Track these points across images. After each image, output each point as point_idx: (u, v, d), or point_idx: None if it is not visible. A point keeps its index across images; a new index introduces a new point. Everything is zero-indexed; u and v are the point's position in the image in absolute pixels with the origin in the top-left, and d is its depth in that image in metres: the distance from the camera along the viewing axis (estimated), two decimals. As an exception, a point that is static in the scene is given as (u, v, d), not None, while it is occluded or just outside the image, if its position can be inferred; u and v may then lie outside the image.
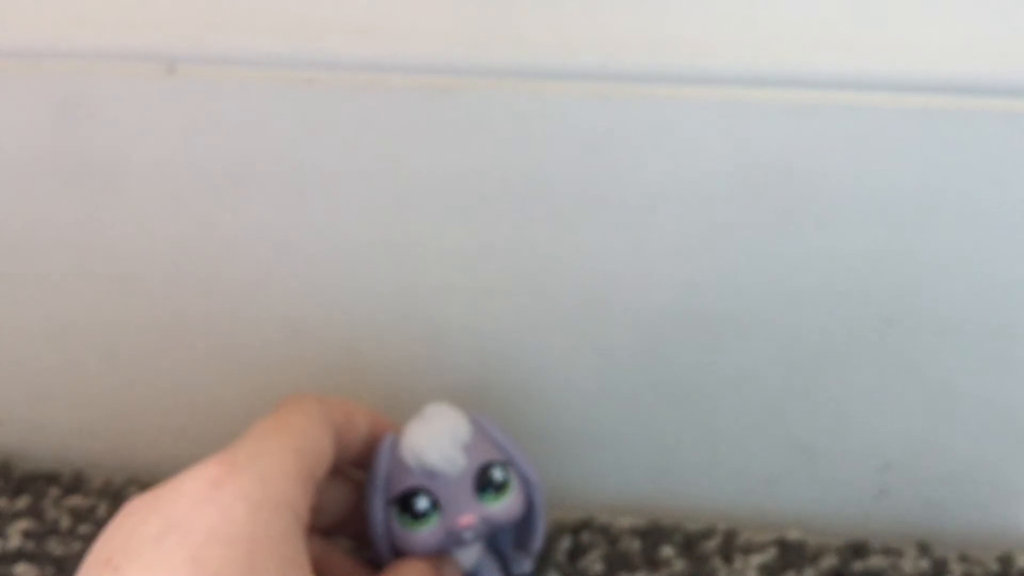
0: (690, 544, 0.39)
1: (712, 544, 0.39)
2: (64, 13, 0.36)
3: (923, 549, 0.38)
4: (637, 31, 0.33)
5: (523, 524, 0.35)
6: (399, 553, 0.33)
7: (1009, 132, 0.32)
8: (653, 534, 0.39)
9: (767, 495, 0.40)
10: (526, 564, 0.36)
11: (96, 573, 0.26)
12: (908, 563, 0.37)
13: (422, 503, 0.32)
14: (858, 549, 0.38)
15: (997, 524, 0.39)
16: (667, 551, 0.38)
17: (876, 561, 0.38)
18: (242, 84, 0.36)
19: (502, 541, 0.36)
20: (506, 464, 0.33)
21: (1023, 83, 0.32)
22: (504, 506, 0.33)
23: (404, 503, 0.32)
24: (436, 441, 0.32)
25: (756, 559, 0.38)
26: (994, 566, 0.37)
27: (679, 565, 0.38)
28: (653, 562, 0.38)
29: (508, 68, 0.34)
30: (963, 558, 0.38)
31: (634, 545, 0.39)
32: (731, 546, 0.39)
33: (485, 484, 0.32)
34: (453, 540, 0.32)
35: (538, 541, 0.35)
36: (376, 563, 0.34)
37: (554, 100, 0.34)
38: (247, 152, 0.37)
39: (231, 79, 0.36)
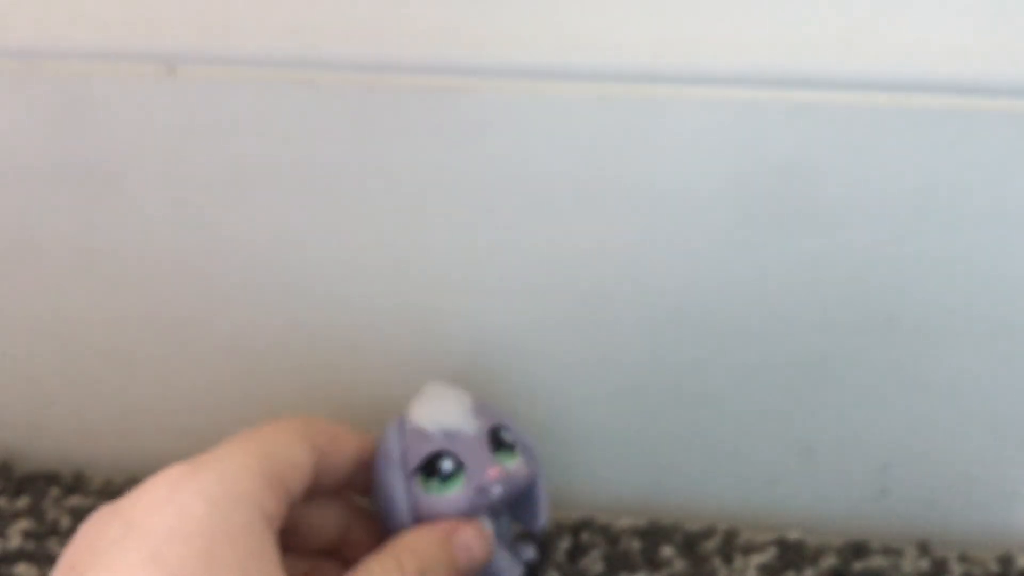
0: (690, 544, 0.39)
1: (712, 544, 0.39)
2: (64, 13, 0.36)
3: (923, 549, 0.38)
4: (637, 31, 0.33)
5: (525, 501, 0.35)
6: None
7: (1009, 132, 0.32)
8: (653, 534, 0.39)
9: (767, 495, 0.40)
10: (529, 551, 0.36)
11: None
12: (908, 563, 0.37)
13: (447, 464, 0.33)
14: (858, 549, 0.38)
15: (997, 524, 0.39)
16: (667, 551, 0.38)
17: (876, 561, 0.38)
18: (242, 84, 0.36)
19: (504, 528, 0.36)
20: (509, 430, 0.34)
21: (1023, 83, 0.32)
22: (517, 465, 0.34)
23: (429, 469, 0.33)
24: (451, 403, 0.34)
25: (756, 559, 0.38)
26: (994, 566, 0.37)
27: (679, 565, 0.38)
28: (653, 562, 0.38)
29: (508, 68, 0.34)
30: (963, 558, 0.38)
31: (634, 545, 0.39)
32: (731, 546, 0.39)
33: (499, 443, 0.34)
34: (482, 497, 0.33)
35: (543, 515, 0.35)
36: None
37: (554, 100, 0.34)
38: (247, 152, 0.37)
39: (231, 79, 0.36)
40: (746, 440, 0.39)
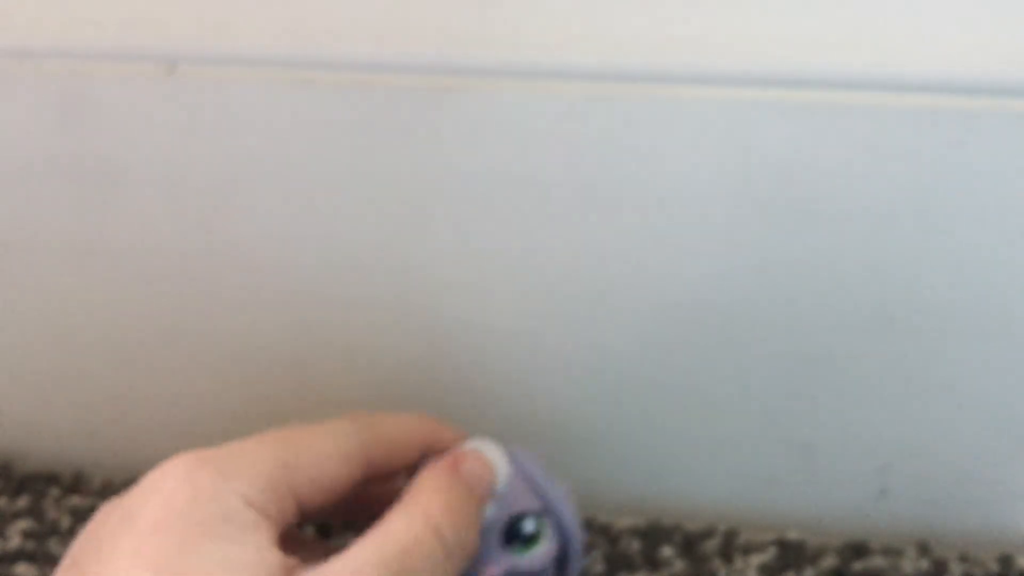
0: (690, 544, 0.39)
1: (712, 544, 0.39)
2: (64, 13, 0.36)
3: (923, 549, 0.38)
4: (637, 31, 0.33)
5: (558, 567, 0.34)
6: None
7: (1009, 132, 0.32)
8: (653, 534, 0.39)
9: (767, 495, 0.40)
10: None
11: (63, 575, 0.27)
12: (908, 563, 0.37)
13: None
14: (858, 549, 0.38)
15: (997, 524, 0.39)
16: (667, 551, 0.38)
17: (876, 561, 0.38)
18: (242, 84, 0.36)
19: None
20: (541, 514, 0.32)
21: (1023, 83, 0.32)
22: (534, 556, 0.32)
23: None
24: None
25: (756, 559, 0.38)
26: (994, 566, 0.37)
27: (679, 565, 0.38)
28: (653, 562, 0.38)
29: (508, 68, 0.34)
30: (963, 558, 0.38)
31: (634, 545, 0.39)
32: (731, 546, 0.39)
33: (513, 536, 0.32)
34: None
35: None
36: None
37: (554, 100, 0.34)
38: (247, 152, 0.37)
39: (231, 79, 0.36)
40: (746, 440, 0.39)
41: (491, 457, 0.32)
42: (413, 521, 0.28)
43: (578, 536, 0.33)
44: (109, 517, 0.27)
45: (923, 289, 0.35)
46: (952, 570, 0.37)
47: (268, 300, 0.39)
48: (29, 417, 0.45)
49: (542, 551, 0.32)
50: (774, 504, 0.40)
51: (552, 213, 0.36)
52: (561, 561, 0.33)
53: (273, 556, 0.27)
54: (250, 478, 0.28)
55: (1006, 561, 0.37)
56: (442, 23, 0.34)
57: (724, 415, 0.39)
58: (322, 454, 0.29)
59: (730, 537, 0.39)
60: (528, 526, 0.32)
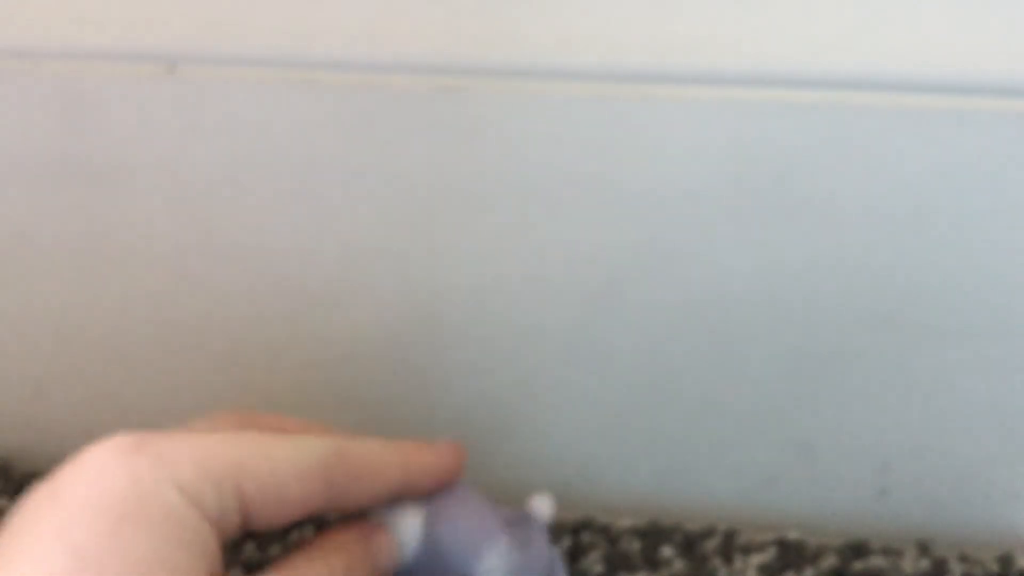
0: (690, 544, 0.39)
1: (712, 544, 0.39)
2: (64, 13, 0.36)
3: (923, 549, 0.38)
4: (637, 31, 0.33)
5: None
6: None
7: (1009, 132, 0.32)
8: (653, 534, 0.39)
9: (767, 495, 0.40)
10: None
11: None
12: (908, 563, 0.37)
13: None
14: (858, 549, 0.38)
15: (997, 524, 0.39)
16: (667, 551, 0.38)
17: (876, 561, 0.38)
18: (242, 84, 0.36)
19: None
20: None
21: (1023, 83, 0.32)
22: None
23: None
24: None
25: (756, 559, 0.38)
26: (994, 566, 0.37)
27: (679, 565, 0.38)
28: (653, 562, 0.38)
29: (508, 68, 0.34)
30: (963, 558, 0.38)
31: (634, 545, 0.39)
32: (731, 546, 0.39)
33: None
34: None
35: None
36: None
37: (554, 100, 0.34)
38: (247, 152, 0.37)
39: (231, 79, 0.36)
40: (746, 440, 0.39)
41: (404, 533, 0.31)
42: (314, 568, 0.27)
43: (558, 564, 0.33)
44: (35, 496, 0.25)
45: (923, 289, 0.35)
46: (952, 570, 0.37)
47: (268, 300, 0.39)
48: (29, 417, 0.45)
49: None
50: (774, 504, 0.40)
51: (552, 213, 0.36)
52: None
53: (205, 565, 0.25)
54: (195, 472, 0.25)
55: (1006, 561, 0.37)
56: (442, 23, 0.34)
57: (724, 415, 0.39)
58: (278, 463, 0.26)
59: (730, 537, 0.39)
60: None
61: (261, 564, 0.37)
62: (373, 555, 0.29)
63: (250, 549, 0.38)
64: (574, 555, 0.39)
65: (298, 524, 0.36)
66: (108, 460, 0.25)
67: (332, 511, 0.29)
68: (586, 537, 0.39)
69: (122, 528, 0.24)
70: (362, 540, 0.29)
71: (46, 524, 0.24)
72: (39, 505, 0.25)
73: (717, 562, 0.38)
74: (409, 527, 0.31)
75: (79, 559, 0.23)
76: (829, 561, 0.38)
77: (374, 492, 0.29)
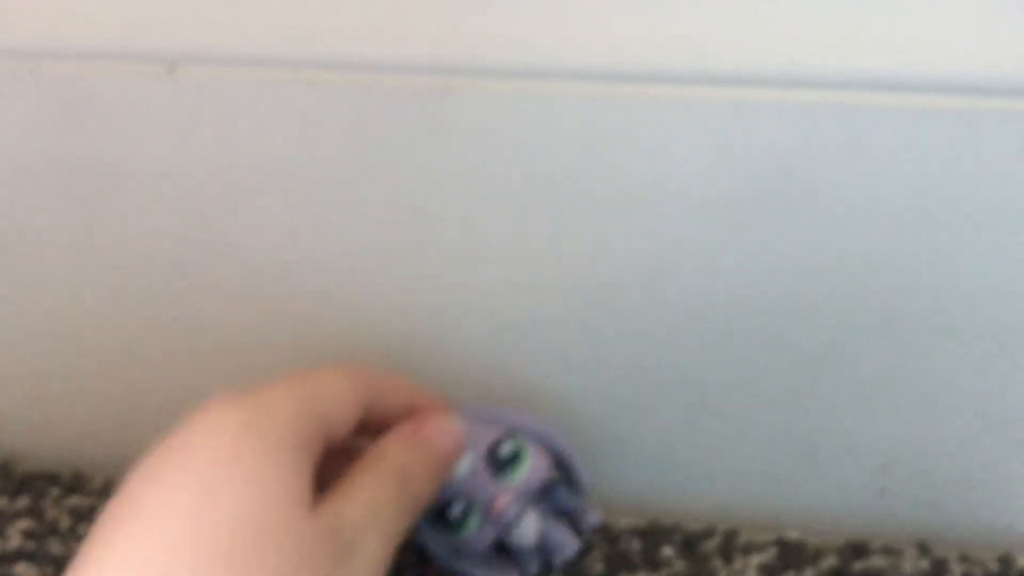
0: (690, 544, 0.39)
1: (712, 544, 0.39)
2: (64, 13, 0.36)
3: (923, 549, 0.38)
4: (637, 31, 0.33)
5: (565, 471, 0.36)
6: (480, 556, 0.34)
7: (1009, 132, 0.32)
8: (653, 534, 0.39)
9: (767, 495, 0.40)
10: (594, 515, 0.36)
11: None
12: (908, 563, 0.37)
13: (455, 510, 0.33)
14: (858, 549, 0.38)
15: (997, 524, 0.39)
16: (667, 551, 0.38)
17: (876, 561, 0.38)
18: (242, 84, 0.36)
19: (561, 501, 0.36)
20: (512, 434, 0.34)
21: (1023, 83, 0.32)
22: (528, 471, 0.34)
23: (442, 518, 0.33)
24: None
25: (756, 559, 0.38)
26: (994, 566, 0.37)
27: (679, 565, 0.38)
28: (653, 562, 0.38)
29: (508, 68, 0.34)
30: (963, 558, 0.38)
31: (634, 545, 0.39)
32: (731, 546, 0.39)
33: (498, 464, 0.33)
34: (499, 526, 0.33)
35: (584, 479, 0.36)
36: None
37: (554, 100, 0.34)
38: (247, 152, 0.37)
39: (231, 79, 0.36)
40: (746, 440, 0.39)
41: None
42: (382, 470, 0.31)
43: (561, 437, 0.35)
44: (155, 451, 0.29)
45: (923, 289, 0.35)
46: (952, 570, 0.37)
47: (268, 300, 0.39)
48: (29, 417, 0.45)
49: (532, 465, 0.34)
50: (774, 504, 0.40)
51: (552, 213, 0.36)
52: (567, 473, 0.35)
53: (307, 484, 0.29)
54: (285, 415, 0.29)
55: (1006, 561, 0.37)
56: (442, 23, 0.34)
57: (724, 415, 0.39)
58: (338, 394, 0.31)
59: (730, 537, 0.39)
60: (506, 448, 0.34)
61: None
62: (432, 443, 0.33)
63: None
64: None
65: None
66: (214, 409, 0.29)
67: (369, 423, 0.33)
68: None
69: (242, 461, 0.28)
70: (407, 443, 0.32)
71: (172, 464, 0.28)
72: (158, 456, 0.29)
73: (717, 562, 0.38)
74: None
75: (205, 483, 0.27)
76: (829, 561, 0.38)
77: (394, 412, 0.33)
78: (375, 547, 0.29)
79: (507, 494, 0.33)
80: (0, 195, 0.39)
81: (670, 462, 0.40)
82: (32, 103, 0.37)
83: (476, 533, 0.33)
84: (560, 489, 0.36)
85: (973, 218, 0.34)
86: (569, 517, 0.36)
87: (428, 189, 0.36)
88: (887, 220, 0.34)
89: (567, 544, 0.35)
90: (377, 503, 0.30)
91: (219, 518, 0.27)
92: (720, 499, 0.40)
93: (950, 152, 0.33)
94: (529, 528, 0.34)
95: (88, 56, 0.36)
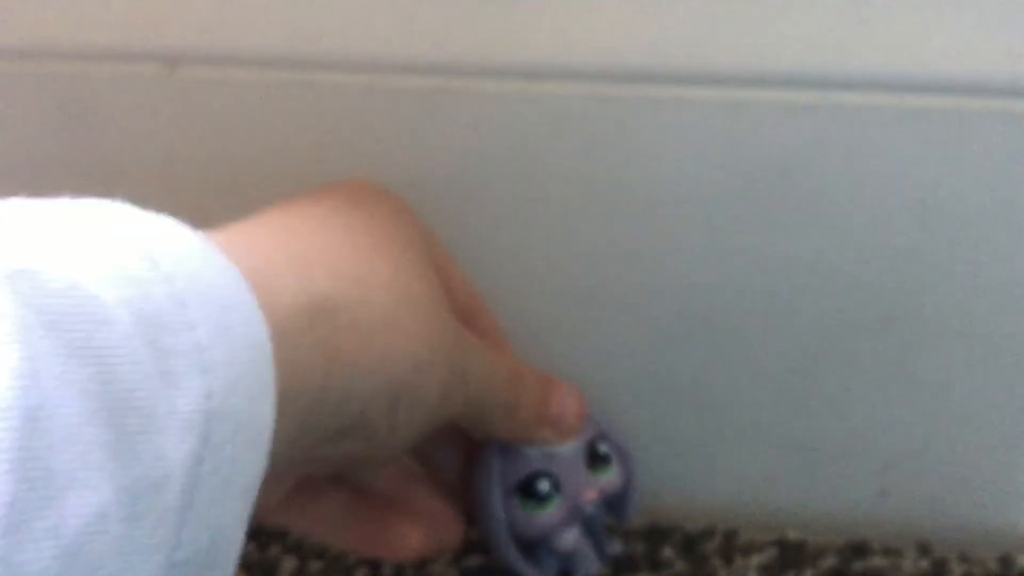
0: (690, 544, 0.39)
1: (712, 544, 0.39)
2: (64, 13, 0.36)
3: (923, 549, 0.38)
4: (637, 31, 0.33)
5: (617, 498, 0.36)
6: (520, 541, 0.34)
7: (1009, 132, 0.32)
8: (653, 534, 0.39)
9: (767, 495, 0.40)
10: (616, 545, 0.36)
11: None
12: (908, 563, 0.37)
13: (544, 485, 0.34)
14: (858, 549, 0.38)
15: (997, 524, 0.39)
16: (667, 551, 0.38)
17: (876, 561, 0.38)
18: (242, 84, 0.36)
19: (601, 519, 0.36)
20: (604, 437, 0.35)
21: (1023, 83, 0.32)
22: (612, 477, 0.35)
23: (526, 489, 0.33)
24: None
25: (756, 559, 0.38)
26: (994, 566, 0.37)
27: (679, 565, 0.38)
28: (653, 562, 0.38)
29: (508, 68, 0.34)
30: (963, 558, 0.38)
31: (634, 545, 0.39)
32: (731, 546, 0.39)
33: (595, 459, 0.34)
34: (575, 515, 0.34)
35: (632, 510, 0.36)
36: (491, 551, 0.35)
37: (554, 100, 0.34)
38: (247, 152, 0.37)
39: (231, 79, 0.36)
40: (746, 440, 0.39)
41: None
42: (512, 374, 0.33)
43: (634, 468, 0.36)
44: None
45: (923, 289, 0.35)
46: (952, 570, 0.37)
47: (268, 300, 0.39)
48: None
49: (615, 471, 0.35)
50: (774, 504, 0.40)
51: (552, 213, 0.36)
52: (620, 493, 0.36)
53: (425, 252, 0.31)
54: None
55: (1006, 561, 0.37)
56: (442, 23, 0.34)
57: (724, 415, 0.39)
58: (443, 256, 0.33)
59: (730, 537, 0.39)
60: (603, 448, 0.35)
61: (261, 564, 0.37)
62: (549, 414, 0.34)
63: (251, 549, 0.38)
64: (574, 555, 0.39)
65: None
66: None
67: None
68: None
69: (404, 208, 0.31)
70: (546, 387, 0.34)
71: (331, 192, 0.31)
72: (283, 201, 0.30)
73: (717, 562, 0.38)
74: None
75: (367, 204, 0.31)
76: (829, 561, 0.38)
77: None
78: (448, 391, 0.29)
79: (594, 489, 0.34)
80: (0, 195, 0.39)
81: (670, 462, 0.40)
82: (32, 103, 0.37)
83: (549, 514, 0.33)
84: (604, 508, 0.36)
85: (972, 218, 0.34)
86: (595, 538, 0.36)
87: (427, 189, 0.36)
88: (887, 220, 0.34)
89: (592, 565, 0.35)
90: (488, 373, 0.31)
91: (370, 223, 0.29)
92: (720, 499, 0.40)
93: (950, 152, 0.33)
94: (573, 535, 0.34)
95: (88, 56, 0.36)
